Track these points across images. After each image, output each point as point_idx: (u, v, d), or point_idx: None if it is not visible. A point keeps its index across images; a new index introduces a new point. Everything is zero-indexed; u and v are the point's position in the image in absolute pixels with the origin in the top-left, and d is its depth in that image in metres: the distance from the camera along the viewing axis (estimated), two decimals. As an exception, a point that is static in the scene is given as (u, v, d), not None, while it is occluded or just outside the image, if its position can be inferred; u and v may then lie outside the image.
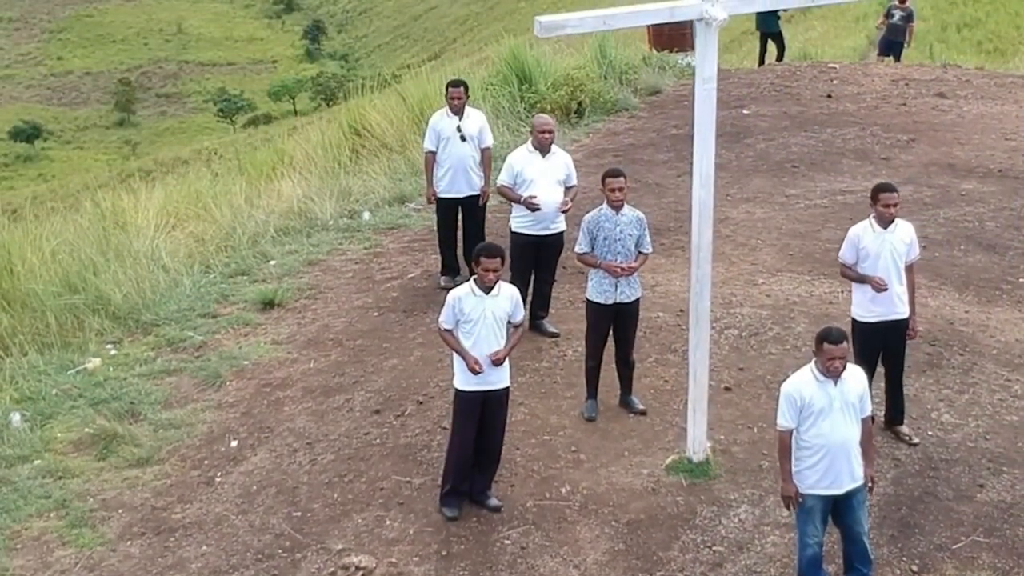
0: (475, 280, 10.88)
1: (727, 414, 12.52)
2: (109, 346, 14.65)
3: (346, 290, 15.57)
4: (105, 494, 11.78)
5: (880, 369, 12.10)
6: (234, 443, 12.40)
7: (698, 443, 11.68)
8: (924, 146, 21.28)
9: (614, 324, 12.42)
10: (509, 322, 11.06)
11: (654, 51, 28.59)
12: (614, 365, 12.67)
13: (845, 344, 9.64)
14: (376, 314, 14.72)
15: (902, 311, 11.88)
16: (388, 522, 11.11)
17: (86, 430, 12.74)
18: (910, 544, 10.82)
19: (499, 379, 10.98)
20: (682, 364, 13.26)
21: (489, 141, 15.23)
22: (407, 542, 10.87)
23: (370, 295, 15.35)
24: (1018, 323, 14.51)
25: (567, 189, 13.86)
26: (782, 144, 21.28)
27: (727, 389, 12.96)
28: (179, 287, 15.91)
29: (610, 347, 12.61)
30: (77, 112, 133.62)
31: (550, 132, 13.76)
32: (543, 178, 13.61)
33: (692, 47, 29.51)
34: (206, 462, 12.16)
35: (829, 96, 24.71)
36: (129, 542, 11.11)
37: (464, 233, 15.38)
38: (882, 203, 11.70)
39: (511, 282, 13.98)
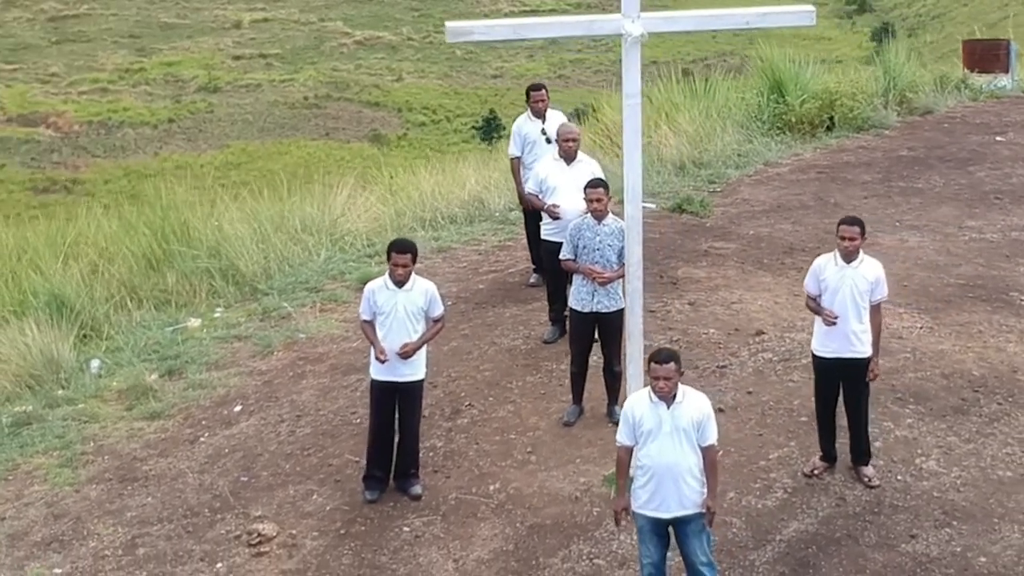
0: (388, 274, 11.28)
1: (701, 435, 12.36)
2: (219, 309, 15.76)
3: (443, 279, 15.99)
4: (106, 440, 12.86)
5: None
6: (238, 408, 13.21)
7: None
8: None
9: (598, 333, 12.52)
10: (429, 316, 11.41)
11: (966, 71, 27.67)
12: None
13: (672, 365, 9.42)
14: (449, 303, 15.08)
15: (860, 350, 11.41)
16: (314, 497, 11.65)
17: (133, 382, 13.84)
18: (795, 585, 10.53)
19: (411, 372, 11.33)
20: (695, 382, 13.13)
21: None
22: (318, 517, 11.38)
23: (459, 285, 15.82)
24: (1093, 379, 13.54)
25: None
26: (1004, 175, 20.18)
27: (720, 410, 12.72)
28: (311, 261, 16.87)
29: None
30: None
31: (574, 140, 13.86)
32: (567, 186, 13.70)
33: (1005, 69, 28.56)
34: (203, 422, 13.04)
35: (1112, 128, 23.27)
36: (94, 486, 12.13)
37: None
38: (839, 235, 11.32)
39: (546, 287, 14.27)
